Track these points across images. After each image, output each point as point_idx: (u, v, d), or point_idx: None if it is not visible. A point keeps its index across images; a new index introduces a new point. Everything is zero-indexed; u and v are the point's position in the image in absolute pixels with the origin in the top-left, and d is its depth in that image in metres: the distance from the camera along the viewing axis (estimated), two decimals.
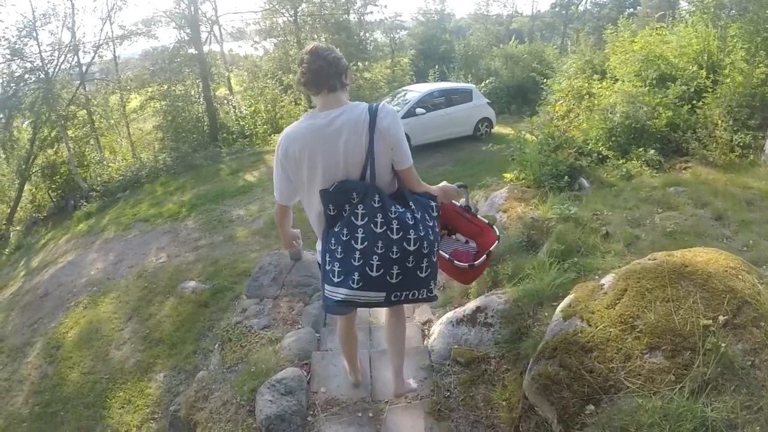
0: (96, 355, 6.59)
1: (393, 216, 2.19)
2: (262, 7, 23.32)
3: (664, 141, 7.59)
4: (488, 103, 14.56)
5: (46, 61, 17.92)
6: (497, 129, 14.83)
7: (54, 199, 18.21)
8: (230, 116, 20.31)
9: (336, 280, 2.23)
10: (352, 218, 2.21)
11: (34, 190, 19.20)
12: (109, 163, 19.09)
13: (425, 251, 2.25)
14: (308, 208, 2.45)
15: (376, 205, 2.20)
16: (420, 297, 2.33)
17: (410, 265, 2.22)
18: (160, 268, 8.55)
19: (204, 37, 20.15)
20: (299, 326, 4.72)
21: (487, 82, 17.75)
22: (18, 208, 18.41)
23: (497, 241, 2.94)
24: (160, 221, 10.84)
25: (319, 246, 2.51)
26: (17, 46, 17.19)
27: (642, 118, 7.63)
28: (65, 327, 7.48)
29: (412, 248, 2.20)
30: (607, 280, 2.93)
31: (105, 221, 12.38)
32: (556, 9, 35.95)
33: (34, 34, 17.47)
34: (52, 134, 18.25)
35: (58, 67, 18.42)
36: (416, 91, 14.00)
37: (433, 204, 2.43)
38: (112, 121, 20.69)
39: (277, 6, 22.29)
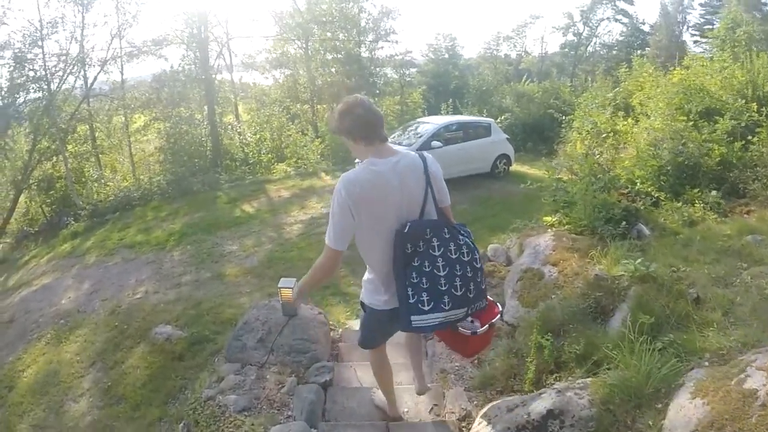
0: (49, 405, 5.46)
1: (461, 242, 2.46)
2: (273, 35, 22.43)
3: (718, 181, 6.37)
4: (507, 138, 13.23)
5: (51, 72, 16.80)
6: (514, 167, 13.52)
7: (47, 214, 17.02)
8: (234, 142, 19.15)
9: (426, 308, 2.38)
10: (430, 251, 2.38)
11: (28, 202, 18.05)
12: (107, 181, 17.89)
13: (481, 267, 2.57)
14: (370, 248, 2.54)
15: (447, 236, 2.43)
16: (481, 306, 2.59)
17: (478, 280, 2.50)
18: (136, 305, 7.25)
19: (213, 59, 19.12)
20: (289, 412, 3.75)
21: (502, 118, 16.49)
22: (11, 220, 17.35)
23: (500, 316, 2.97)
24: (145, 249, 9.53)
25: (368, 278, 2.70)
26: (21, 53, 16.09)
27: (694, 154, 6.45)
28: (23, 364, 6.39)
29: (478, 266, 2.52)
30: (759, 381, 2.08)
31: (89, 243, 11.10)
32: (566, 50, 35.44)
33: (40, 43, 16.35)
34: (52, 147, 17.16)
35: (63, 79, 17.38)
36: (431, 123, 12.69)
37: (468, 231, 2.62)
38: (114, 140, 19.58)
39: (288, 35, 21.31)
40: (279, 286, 4.26)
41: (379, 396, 3.56)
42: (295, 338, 4.40)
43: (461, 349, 3.12)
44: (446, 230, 2.44)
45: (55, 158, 17.48)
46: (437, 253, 2.37)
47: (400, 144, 11.50)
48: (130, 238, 10.41)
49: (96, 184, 17.77)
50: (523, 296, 4.45)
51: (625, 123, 9.30)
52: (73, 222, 13.39)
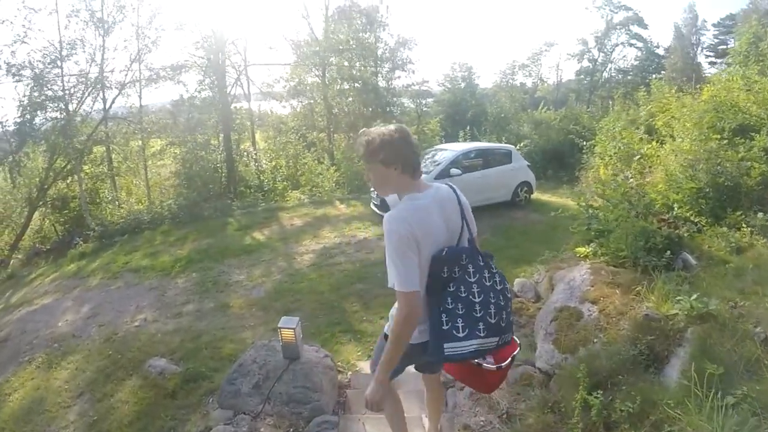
0: None
1: (495, 271, 2.41)
2: (290, 63, 22.22)
3: (760, 201, 5.78)
4: (528, 165, 12.52)
5: (69, 92, 16.64)
6: (535, 195, 12.83)
7: (60, 233, 16.80)
8: (250, 169, 18.80)
9: (462, 334, 2.28)
10: (466, 276, 2.33)
11: (42, 220, 17.92)
12: (122, 203, 17.71)
13: (511, 298, 2.52)
14: None
15: (481, 263, 2.38)
16: (508, 339, 2.44)
17: (509, 310, 2.42)
18: (133, 333, 6.74)
19: (230, 86, 18.82)
20: None
21: (521, 145, 15.77)
22: (25, 236, 17.14)
23: (519, 348, 2.70)
24: (150, 274, 9.02)
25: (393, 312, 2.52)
26: (40, 72, 15.88)
27: (733, 174, 5.87)
28: (10, 387, 5.94)
29: (508, 296, 2.43)
30: None
31: (95, 265, 10.65)
32: (581, 76, 35.12)
33: (59, 63, 16.17)
34: (68, 167, 16.96)
35: (82, 100, 17.25)
36: (450, 150, 12.06)
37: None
38: (131, 163, 19.37)
39: (305, 62, 21.06)
40: (279, 326, 3.76)
41: None
42: (296, 386, 3.82)
43: (478, 385, 2.90)
44: (480, 258, 2.40)
45: (70, 178, 17.35)
46: (472, 279, 2.32)
47: None
48: (135, 262, 9.93)
49: (110, 206, 17.60)
50: (560, 340, 3.87)
51: (650, 146, 8.94)
52: (81, 242, 13.00)
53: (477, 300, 2.29)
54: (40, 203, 17.05)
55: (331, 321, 6.33)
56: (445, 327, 2.29)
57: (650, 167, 8.25)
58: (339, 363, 5.13)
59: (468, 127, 18.78)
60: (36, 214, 17.41)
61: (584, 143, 13.88)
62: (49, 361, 6.28)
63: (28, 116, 16.40)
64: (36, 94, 16.10)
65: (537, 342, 4.20)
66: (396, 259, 2.22)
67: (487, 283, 2.34)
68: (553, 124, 19.69)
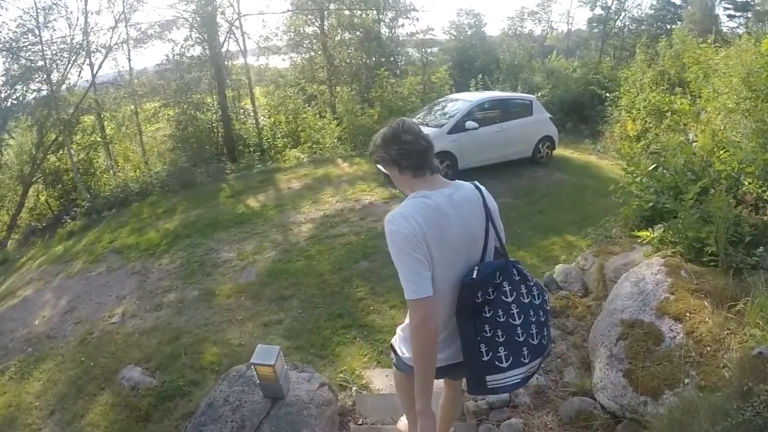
0: None
1: (532, 284, 2.06)
2: (286, 9, 20.58)
3: None
4: (550, 118, 11.01)
5: (51, 60, 15.31)
6: (556, 151, 11.40)
7: (55, 209, 15.79)
8: (248, 127, 17.49)
9: (505, 364, 1.97)
10: (502, 297, 1.98)
11: (37, 197, 17.03)
12: (118, 171, 16.65)
13: (550, 309, 2.22)
14: None
15: (517, 278, 2.03)
16: (549, 352, 2.26)
17: (549, 324, 2.17)
18: (108, 333, 5.84)
19: (223, 39, 17.12)
20: None
21: (538, 95, 13.93)
22: (22, 215, 16.33)
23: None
24: (133, 255, 7.99)
25: (407, 331, 2.11)
26: (14, 44, 14.55)
27: None
28: None
29: (548, 307, 2.12)
30: None
31: (80, 246, 9.72)
32: (593, 24, 32.76)
33: (36, 32, 14.78)
34: (59, 139, 15.88)
35: (67, 69, 15.94)
36: (464, 100, 10.57)
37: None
38: (124, 129, 18.09)
39: (302, 10, 19.40)
40: (252, 361, 2.68)
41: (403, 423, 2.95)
42: None
43: None
44: (515, 272, 2.02)
45: (61, 151, 16.35)
46: (510, 299, 1.97)
47: (426, 125, 9.72)
48: (121, 240, 8.93)
49: (105, 175, 16.69)
50: (635, 372, 2.74)
51: (683, 102, 7.77)
52: (69, 221, 11.99)
53: (518, 322, 1.98)
54: (34, 179, 16.25)
55: (332, 312, 5.25)
56: (485, 358, 1.97)
57: (685, 125, 7.37)
58: (341, 374, 4.09)
59: (480, 76, 17.27)
60: (31, 191, 16.59)
61: (607, 95, 12.64)
62: (22, 370, 5.61)
63: (6, 92, 15.24)
64: (14, 66, 14.93)
65: (594, 361, 3.09)
66: (401, 262, 1.86)
67: (526, 300, 2.01)
68: (567, 73, 18.22)
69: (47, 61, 15.20)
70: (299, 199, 9.34)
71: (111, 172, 16.72)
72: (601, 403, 2.85)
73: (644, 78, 11.77)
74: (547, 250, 6.58)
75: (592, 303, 3.88)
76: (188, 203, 10.32)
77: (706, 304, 2.86)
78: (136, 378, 4.72)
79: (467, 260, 1.99)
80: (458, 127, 9.39)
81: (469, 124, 9.43)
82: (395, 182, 2.11)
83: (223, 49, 17.12)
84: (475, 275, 1.93)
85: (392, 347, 2.34)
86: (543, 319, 2.05)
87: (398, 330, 2.31)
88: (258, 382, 2.85)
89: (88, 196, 13.60)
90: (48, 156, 16.22)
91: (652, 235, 3.82)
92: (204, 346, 4.96)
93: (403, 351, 2.21)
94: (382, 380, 3.96)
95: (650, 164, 4.87)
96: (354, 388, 3.88)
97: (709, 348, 2.58)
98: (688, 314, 2.82)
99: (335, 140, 14.35)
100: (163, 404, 4.25)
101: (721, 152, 4.52)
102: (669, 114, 8.84)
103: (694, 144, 5.15)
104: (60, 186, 16.40)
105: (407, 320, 2.13)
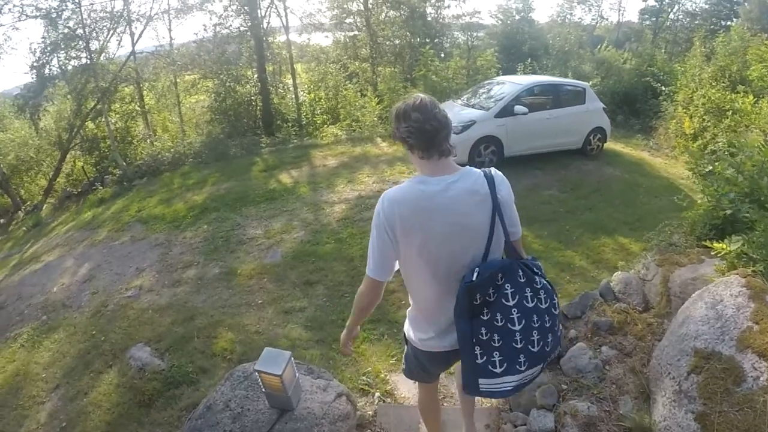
0: None
1: (539, 286, 1.91)
2: None
3: None
4: (603, 108, 10.12)
5: (90, 28, 15.21)
6: (606, 145, 10.47)
7: (91, 175, 15.72)
8: (287, 102, 17.06)
9: (499, 370, 1.87)
10: (503, 300, 1.85)
11: (74, 163, 17.23)
12: (155, 141, 16.46)
13: (559, 313, 2.01)
14: (412, 281, 2.02)
15: (522, 281, 1.88)
16: (555, 356, 2.19)
17: (556, 329, 1.96)
18: (122, 307, 5.56)
19: (263, 13, 16.69)
20: None
21: (591, 83, 13.03)
22: (58, 180, 16.63)
23: None
24: (158, 227, 7.70)
25: (411, 311, 2.16)
26: (53, 12, 14.50)
27: None
28: None
29: (556, 312, 1.96)
30: None
31: (108, 213, 9.60)
32: (645, 16, 31.27)
33: None
34: (97, 106, 15.88)
35: (107, 38, 15.91)
36: (513, 83, 9.77)
37: (540, 266, 2.01)
38: (165, 101, 18.10)
39: None
40: (258, 368, 2.22)
41: None
42: None
43: None
44: (521, 273, 1.88)
45: (99, 118, 16.44)
46: (511, 303, 1.84)
47: (471, 107, 9.12)
48: (148, 210, 8.68)
49: (142, 144, 16.63)
50: (709, 417, 2.14)
51: (745, 100, 7.61)
52: (100, 187, 11.83)
53: (517, 328, 1.83)
54: (71, 145, 16.39)
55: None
56: (479, 361, 1.86)
57: (746, 126, 7.00)
58: (363, 376, 3.61)
59: (528, 60, 16.48)
60: (68, 157, 16.80)
61: (663, 88, 11.94)
62: (34, 338, 5.48)
63: (45, 59, 15.22)
64: (53, 35, 14.86)
65: (656, 393, 2.52)
66: (371, 240, 1.92)
67: (530, 305, 1.85)
68: (617, 65, 17.13)
69: (86, 29, 15.15)
70: (334, 177, 8.85)
71: (148, 141, 16.68)
72: None
73: (703, 73, 10.86)
74: (598, 251, 5.97)
75: (653, 320, 3.28)
76: (220, 175, 9.99)
77: None
78: (144, 359, 4.44)
79: (462, 252, 1.89)
80: (506, 111, 8.71)
81: (519, 108, 8.73)
82: (411, 158, 2.01)
83: (265, 24, 16.78)
84: (474, 277, 1.82)
85: (405, 336, 2.25)
86: (548, 325, 1.91)
87: (407, 311, 2.23)
88: (264, 390, 2.39)
89: (124, 164, 13.55)
90: (86, 123, 16.32)
91: (728, 248, 3.18)
92: (218, 330, 4.56)
93: (411, 335, 2.15)
94: (408, 387, 3.46)
95: (720, 166, 4.21)
96: (377, 395, 3.40)
97: None
98: None
99: (375, 119, 13.80)
100: (169, 391, 3.96)
101: None
102: (730, 113, 8.27)
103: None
104: (97, 153, 16.51)
105: (411, 307, 2.15)
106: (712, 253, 3.35)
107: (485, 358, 1.86)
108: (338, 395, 2.62)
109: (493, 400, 3.22)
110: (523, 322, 1.85)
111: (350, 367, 3.81)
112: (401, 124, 1.90)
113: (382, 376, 3.65)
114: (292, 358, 2.36)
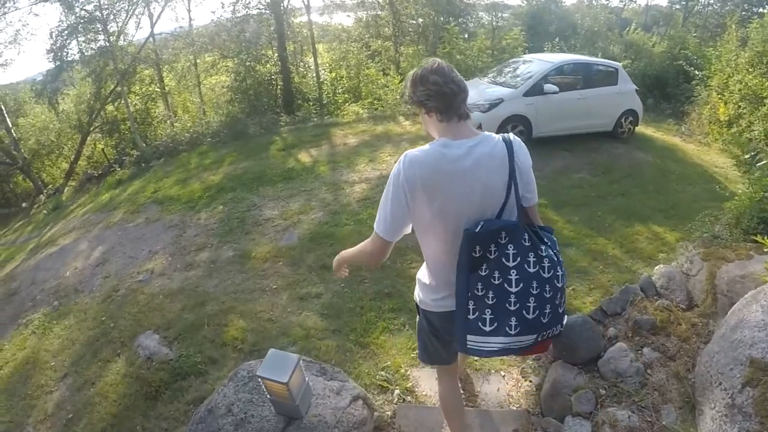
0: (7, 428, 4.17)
1: (544, 254, 1.87)
2: None
3: None
4: (636, 90, 9.52)
5: (107, 11, 15.11)
6: (637, 129, 9.90)
7: (111, 158, 15.68)
8: (308, 81, 16.73)
9: (488, 328, 1.85)
10: (503, 260, 1.83)
11: (95, 145, 17.44)
12: (175, 122, 16.35)
13: (563, 286, 1.94)
14: (426, 239, 1.96)
15: (526, 244, 1.85)
16: (555, 333, 1.97)
17: (557, 302, 1.91)
18: (133, 292, 5.36)
19: None
20: None
21: (623, 64, 12.51)
22: (80, 163, 16.92)
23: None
24: (173, 207, 7.48)
25: (422, 270, 2.10)
26: None
27: None
28: (2, 357, 5.11)
29: (559, 285, 1.90)
30: None
31: (125, 195, 9.47)
32: (675, 0, 30.21)
33: None
34: (117, 89, 15.95)
35: (125, 20, 15.86)
36: (542, 60, 9.25)
37: (554, 238, 2.00)
38: (185, 82, 17.91)
39: None
40: (261, 374, 1.90)
41: None
42: None
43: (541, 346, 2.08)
44: (527, 237, 1.85)
45: (119, 101, 16.49)
46: (511, 264, 1.81)
47: (499, 85, 8.67)
48: (164, 191, 8.47)
49: (162, 125, 16.61)
50: None
51: None
52: (118, 169, 11.70)
53: (513, 290, 1.80)
54: (91, 128, 16.52)
55: (380, 291, 4.42)
56: (471, 316, 1.86)
57: None
58: (382, 371, 3.30)
59: (557, 39, 15.91)
60: (89, 140, 16.93)
61: (696, 72, 11.48)
62: (45, 324, 5.41)
63: (63, 42, 15.18)
64: (70, 18, 14.86)
65: (703, 404, 2.17)
66: (384, 198, 1.87)
67: (531, 270, 1.81)
68: (646, 48, 16.48)
69: (104, 12, 15.10)
70: (355, 156, 8.50)
71: (168, 122, 16.63)
72: None
73: (739, 58, 10.21)
74: (631, 239, 5.55)
75: (698, 320, 2.91)
76: (237, 155, 9.73)
77: None
78: (152, 347, 4.24)
79: (479, 214, 1.86)
80: (536, 89, 8.24)
81: (549, 87, 8.25)
82: (424, 125, 2.02)
83: (285, 2, 16.48)
84: (477, 229, 1.81)
85: (417, 305, 2.20)
86: (549, 296, 1.87)
87: (417, 276, 2.17)
88: (269, 397, 2.08)
89: (144, 145, 13.44)
90: (106, 106, 16.35)
91: None
92: (229, 317, 4.29)
93: (423, 297, 2.09)
94: (432, 384, 3.12)
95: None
96: (396, 392, 3.08)
97: None
98: None
99: (398, 97, 13.39)
100: (176, 383, 3.75)
101: None
102: (767, 101, 7.91)
103: None
104: (117, 135, 16.61)
105: (423, 266, 2.10)
106: (765, 250, 2.97)
107: (477, 314, 1.86)
108: (354, 399, 2.31)
109: (522, 402, 3.00)
110: (521, 285, 1.82)
111: (368, 361, 3.49)
112: (418, 87, 1.88)
113: (403, 371, 3.32)
114: (301, 361, 2.05)
